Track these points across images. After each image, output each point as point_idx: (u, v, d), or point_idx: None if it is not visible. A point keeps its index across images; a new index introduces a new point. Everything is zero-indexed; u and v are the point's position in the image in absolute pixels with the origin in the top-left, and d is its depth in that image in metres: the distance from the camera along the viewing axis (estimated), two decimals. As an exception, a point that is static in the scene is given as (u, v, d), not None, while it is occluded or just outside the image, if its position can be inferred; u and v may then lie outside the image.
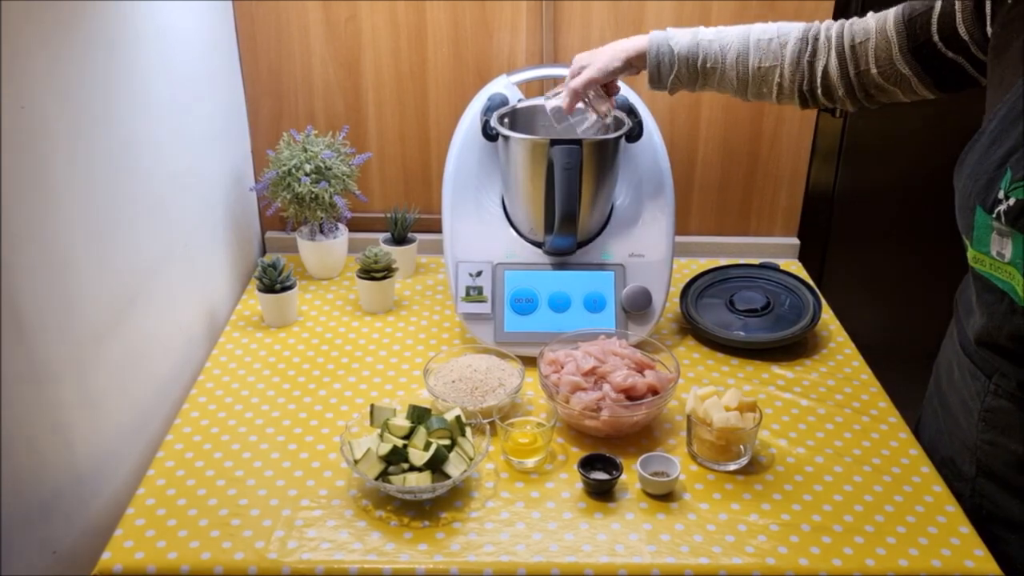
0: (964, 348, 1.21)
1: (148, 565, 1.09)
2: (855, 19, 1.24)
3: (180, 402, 1.41)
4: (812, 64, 1.25)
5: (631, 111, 1.52)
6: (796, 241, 1.92)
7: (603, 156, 1.47)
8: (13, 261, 1.00)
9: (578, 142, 1.42)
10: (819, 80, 1.25)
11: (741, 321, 1.60)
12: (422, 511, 1.18)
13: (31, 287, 1.04)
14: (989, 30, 1.08)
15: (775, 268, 1.72)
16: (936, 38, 1.13)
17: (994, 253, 1.03)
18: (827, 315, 1.68)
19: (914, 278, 2.03)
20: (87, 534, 1.18)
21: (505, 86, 1.59)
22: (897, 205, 1.96)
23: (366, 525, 1.16)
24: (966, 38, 1.11)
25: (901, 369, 1.69)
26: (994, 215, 1.00)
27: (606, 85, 1.40)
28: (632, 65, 1.35)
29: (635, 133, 1.51)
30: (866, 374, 1.50)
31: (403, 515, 1.17)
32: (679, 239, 1.67)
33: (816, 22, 1.28)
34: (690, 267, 1.85)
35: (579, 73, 1.38)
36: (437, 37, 1.74)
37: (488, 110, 1.53)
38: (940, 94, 1.19)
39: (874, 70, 1.20)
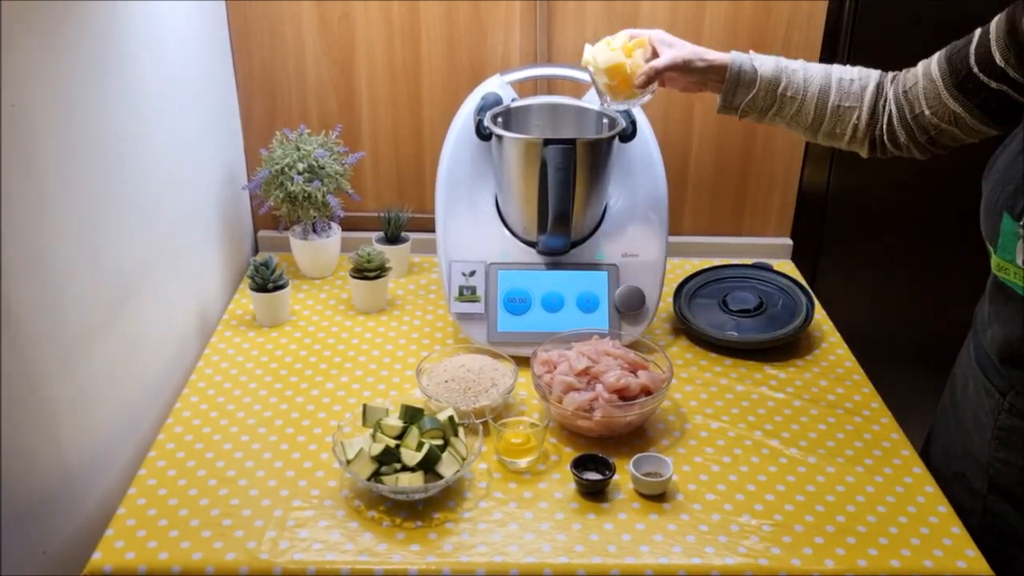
0: (980, 364, 1.21)
1: (139, 565, 1.09)
2: (908, 68, 1.25)
3: (171, 401, 1.41)
4: (883, 111, 1.26)
5: (625, 111, 1.52)
6: (789, 241, 1.92)
7: (596, 156, 1.47)
8: (2, 260, 0.99)
9: (571, 142, 1.41)
10: (886, 127, 1.25)
11: (734, 321, 1.60)
12: (414, 511, 1.17)
13: (21, 286, 1.03)
14: None
15: (768, 268, 1.72)
16: (976, 69, 1.14)
17: (1019, 262, 1.02)
18: (820, 315, 1.68)
19: (907, 278, 2.03)
20: (77, 534, 1.18)
21: (499, 85, 1.58)
22: (890, 205, 1.96)
23: (358, 525, 1.15)
24: (1002, 64, 1.11)
25: (894, 369, 1.69)
26: (1022, 223, 0.99)
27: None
28: (708, 75, 1.29)
29: (628, 133, 1.51)
30: (858, 375, 1.50)
31: (395, 515, 1.17)
32: (672, 239, 1.67)
33: (880, 72, 1.28)
34: (683, 267, 1.85)
35: (655, 53, 1.31)
36: (431, 36, 1.74)
37: (482, 109, 1.52)
38: (997, 128, 1.18)
39: (927, 112, 1.20)
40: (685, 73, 1.30)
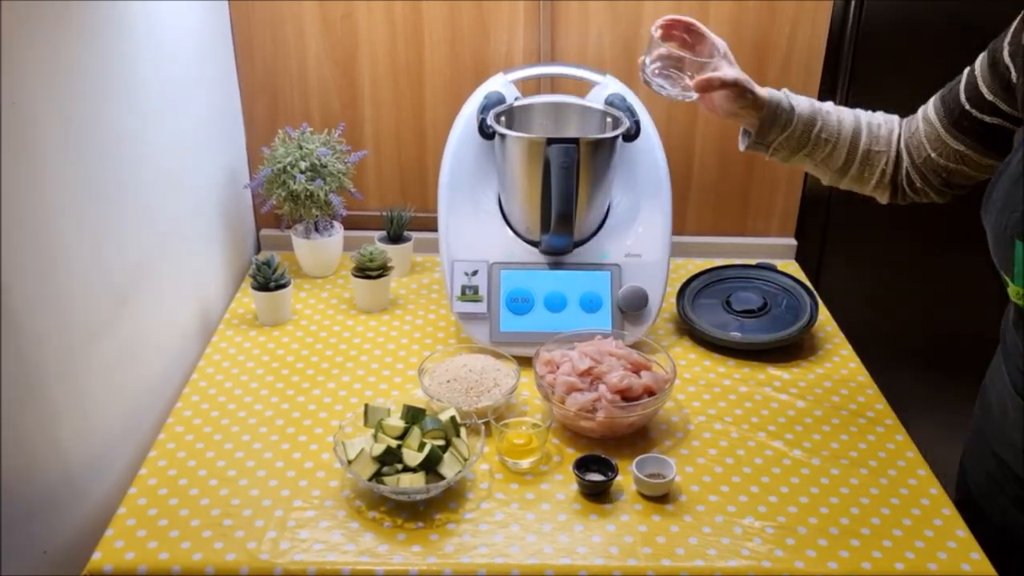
0: (1016, 388, 1.17)
1: (139, 565, 1.08)
2: (913, 115, 1.26)
3: (173, 401, 1.41)
4: (903, 156, 1.25)
5: (629, 110, 1.52)
6: (793, 242, 1.92)
7: (600, 155, 1.46)
8: (3, 259, 0.99)
9: (575, 141, 1.41)
10: (904, 173, 1.25)
11: (737, 322, 1.59)
12: (416, 512, 1.17)
13: (22, 285, 1.03)
14: (1014, 77, 1.08)
15: (772, 269, 1.71)
16: (968, 106, 1.14)
17: None
18: (824, 316, 1.67)
19: (911, 278, 2.02)
20: (77, 534, 1.17)
21: (502, 84, 1.58)
22: (895, 206, 1.95)
23: (359, 526, 1.15)
24: (991, 99, 1.11)
25: (899, 370, 1.68)
26: None
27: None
28: (748, 106, 1.25)
29: (632, 132, 1.50)
30: (863, 375, 1.50)
31: (397, 516, 1.16)
32: (676, 239, 1.66)
33: (899, 117, 1.28)
34: (686, 267, 1.84)
35: (712, 66, 1.26)
36: (434, 35, 1.73)
37: (485, 108, 1.52)
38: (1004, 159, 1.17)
39: (933, 154, 1.20)
40: (734, 98, 1.24)
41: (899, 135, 1.26)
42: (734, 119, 1.29)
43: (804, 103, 1.26)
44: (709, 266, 1.74)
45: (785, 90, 1.28)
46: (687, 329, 1.60)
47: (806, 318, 1.58)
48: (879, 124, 1.26)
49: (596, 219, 1.54)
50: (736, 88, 1.22)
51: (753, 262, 1.75)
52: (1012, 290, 1.07)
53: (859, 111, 1.28)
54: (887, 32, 1.76)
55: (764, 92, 1.25)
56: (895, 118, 1.28)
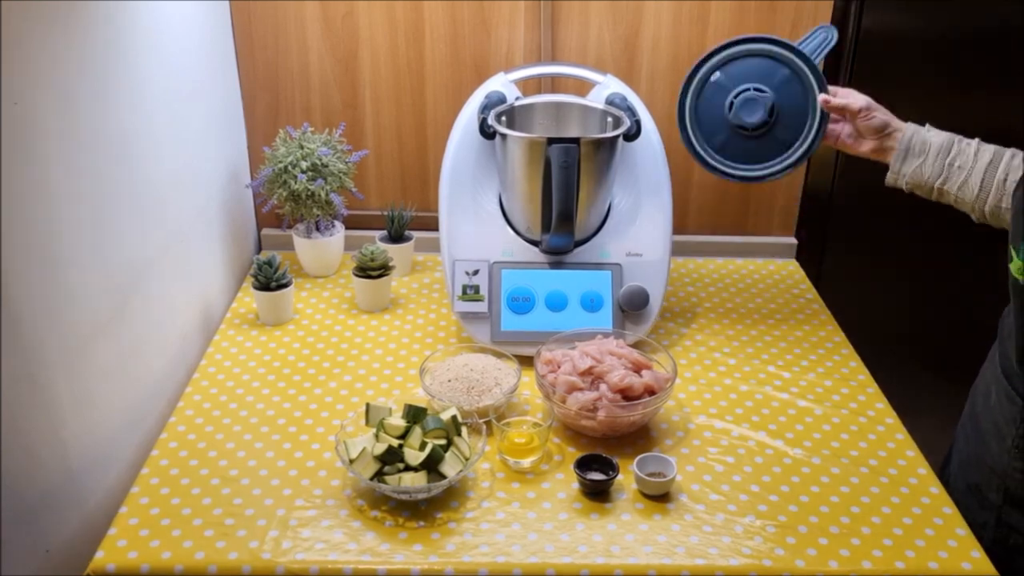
0: (1004, 371, 1.19)
1: (142, 564, 1.08)
2: None
3: (175, 400, 1.41)
4: None
5: (629, 110, 1.52)
6: (793, 241, 1.92)
7: (601, 155, 1.46)
8: (6, 258, 0.99)
9: (575, 141, 1.41)
10: None
11: (728, 137, 1.45)
12: (417, 511, 1.17)
13: (24, 285, 1.03)
14: None
15: (816, 73, 1.43)
16: None
17: None
18: (825, 315, 1.67)
19: (912, 278, 2.02)
20: (80, 533, 1.17)
21: (503, 84, 1.58)
22: (895, 204, 1.95)
23: (361, 525, 1.15)
24: None
25: (899, 370, 1.68)
26: None
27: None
28: (883, 132, 1.32)
29: (633, 132, 1.50)
30: (863, 374, 1.50)
31: (398, 515, 1.17)
32: (676, 238, 1.66)
33: None
34: (687, 266, 1.85)
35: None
36: (435, 34, 1.73)
37: (486, 108, 1.52)
38: None
39: None
40: (869, 119, 1.31)
41: None
42: (866, 151, 1.35)
43: (943, 135, 1.29)
44: (746, 35, 1.46)
45: (927, 124, 1.31)
46: (678, 124, 1.46)
47: (804, 147, 1.43)
48: (1013, 154, 1.24)
49: (597, 218, 1.54)
50: (869, 120, 1.30)
51: (797, 45, 1.44)
52: (1015, 265, 1.07)
53: (996, 147, 1.27)
54: (888, 34, 1.76)
55: (900, 123, 1.30)
56: None
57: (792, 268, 1.87)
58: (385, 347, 1.55)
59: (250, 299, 1.67)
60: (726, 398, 1.43)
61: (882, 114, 1.32)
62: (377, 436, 1.21)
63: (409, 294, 1.72)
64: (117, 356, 1.26)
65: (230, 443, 1.30)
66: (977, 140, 1.28)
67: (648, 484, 1.20)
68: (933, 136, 1.28)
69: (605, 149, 1.47)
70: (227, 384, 1.44)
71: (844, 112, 1.35)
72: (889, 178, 1.33)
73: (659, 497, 1.20)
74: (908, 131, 1.29)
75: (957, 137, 1.28)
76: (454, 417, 1.24)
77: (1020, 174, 1.21)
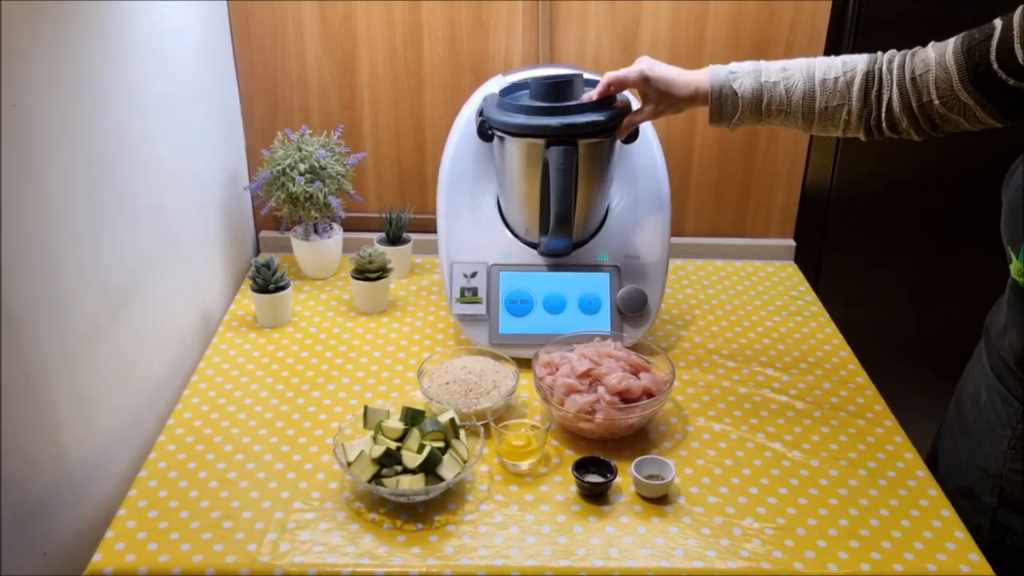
0: (996, 373, 1.19)
1: (139, 567, 1.08)
2: (917, 49, 1.20)
3: (173, 403, 1.41)
4: (879, 99, 1.21)
5: (627, 111, 1.51)
6: (792, 243, 1.92)
7: (599, 157, 1.46)
8: (4, 261, 0.99)
9: (574, 143, 1.41)
10: (884, 114, 1.21)
11: None
12: (415, 514, 1.17)
13: (22, 287, 1.03)
14: None
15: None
16: (996, 66, 1.09)
17: None
18: (823, 318, 1.67)
19: (910, 280, 2.02)
20: (78, 536, 1.17)
21: (501, 86, 1.58)
22: (894, 207, 1.96)
23: (359, 528, 1.15)
24: None
25: (898, 372, 1.68)
26: None
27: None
28: (695, 99, 1.30)
29: (631, 134, 1.50)
30: (861, 377, 1.50)
31: (396, 518, 1.16)
32: (675, 240, 1.66)
33: (878, 53, 1.23)
34: (685, 268, 1.85)
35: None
36: (433, 36, 1.73)
37: (484, 110, 1.52)
38: (1005, 121, 1.14)
39: (936, 101, 1.16)
40: (669, 92, 1.30)
41: (865, 80, 1.21)
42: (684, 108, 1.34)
43: (748, 82, 1.26)
44: None
45: (731, 64, 1.28)
46: None
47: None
48: (835, 78, 1.23)
49: (595, 221, 1.54)
50: (669, 93, 1.29)
51: None
52: (1014, 267, 1.06)
53: (816, 62, 1.25)
54: (886, 31, 1.76)
55: (704, 83, 1.27)
56: (860, 62, 1.23)
57: (791, 270, 1.87)
58: (383, 349, 1.55)
59: (248, 301, 1.67)
60: (724, 400, 1.43)
61: (690, 91, 1.29)
62: (375, 438, 1.21)
63: (407, 296, 1.72)
64: (115, 359, 1.26)
65: (228, 446, 1.30)
66: (780, 69, 1.26)
67: (646, 486, 1.20)
68: (739, 86, 1.26)
69: (603, 151, 1.47)
70: (225, 387, 1.43)
71: (625, 88, 1.34)
72: (711, 124, 1.31)
73: (657, 499, 1.20)
74: (714, 92, 1.27)
75: (762, 77, 1.26)
76: (452, 419, 1.24)
77: (840, 99, 1.22)
